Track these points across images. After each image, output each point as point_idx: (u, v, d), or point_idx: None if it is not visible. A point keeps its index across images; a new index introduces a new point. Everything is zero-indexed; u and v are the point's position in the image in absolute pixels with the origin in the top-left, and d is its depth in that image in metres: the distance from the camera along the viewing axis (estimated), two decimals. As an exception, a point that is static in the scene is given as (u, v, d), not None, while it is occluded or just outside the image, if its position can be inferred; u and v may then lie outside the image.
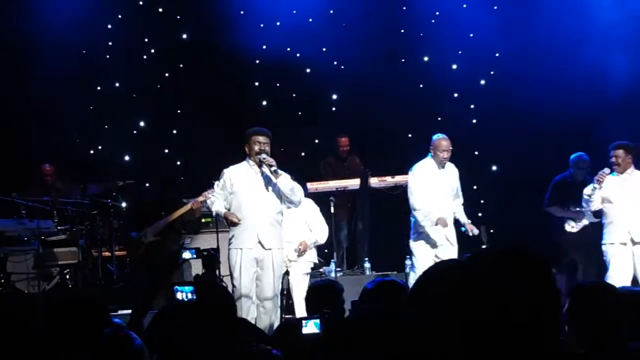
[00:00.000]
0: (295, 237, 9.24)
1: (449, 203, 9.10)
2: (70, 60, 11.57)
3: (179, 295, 4.46)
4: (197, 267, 8.94)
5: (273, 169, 7.89)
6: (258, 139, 7.99)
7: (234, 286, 7.81)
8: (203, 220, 10.06)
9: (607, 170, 8.75)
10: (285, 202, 8.12)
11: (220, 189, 8.17)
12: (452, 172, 9.19)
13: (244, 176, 8.07)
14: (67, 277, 9.85)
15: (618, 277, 8.37)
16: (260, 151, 7.93)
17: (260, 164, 7.97)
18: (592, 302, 3.48)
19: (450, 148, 8.96)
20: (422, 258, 8.83)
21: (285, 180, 7.98)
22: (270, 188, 8.02)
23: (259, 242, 7.91)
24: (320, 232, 9.50)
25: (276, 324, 7.70)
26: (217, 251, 4.88)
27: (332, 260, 10.38)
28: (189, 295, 4.46)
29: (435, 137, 9.04)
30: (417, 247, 9.01)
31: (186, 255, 4.85)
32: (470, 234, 9.11)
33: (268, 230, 7.97)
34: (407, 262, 10.00)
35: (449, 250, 8.90)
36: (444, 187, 9.04)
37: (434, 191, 8.96)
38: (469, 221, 9.18)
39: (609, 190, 8.80)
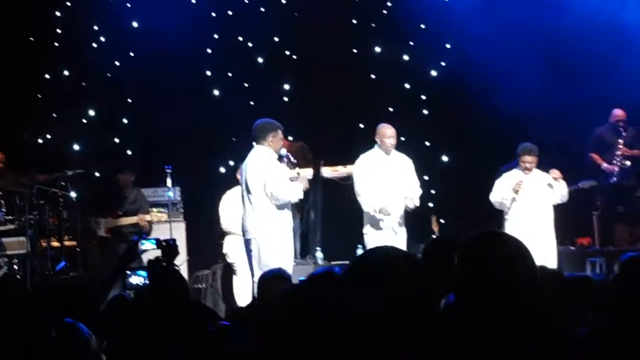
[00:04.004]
0: None
1: (399, 192, 9.09)
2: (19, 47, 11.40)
3: (133, 280, 4.46)
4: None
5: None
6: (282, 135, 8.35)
7: None
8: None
9: (522, 181, 9.23)
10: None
11: None
12: (402, 161, 9.26)
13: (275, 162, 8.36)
14: (16, 267, 9.71)
15: None
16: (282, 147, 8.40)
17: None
18: None
19: (395, 135, 9.07)
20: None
21: None
22: None
23: None
24: None
25: None
26: (175, 241, 4.89)
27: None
28: (143, 281, 4.46)
29: (379, 126, 9.21)
30: (369, 236, 9.07)
31: (147, 245, 4.86)
32: (412, 205, 9.05)
33: None
34: (359, 251, 10.05)
35: (394, 239, 8.88)
36: (392, 175, 9.09)
37: (381, 179, 9.03)
38: (413, 200, 9.06)
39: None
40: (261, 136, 8.18)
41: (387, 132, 9.08)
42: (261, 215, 8.13)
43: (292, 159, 8.38)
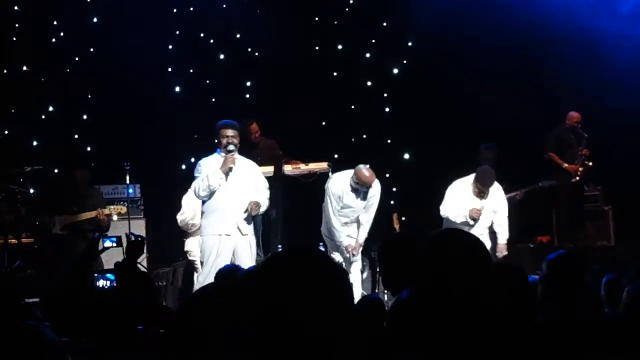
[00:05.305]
0: None
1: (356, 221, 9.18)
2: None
3: (101, 284, 4.40)
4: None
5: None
6: (227, 133, 8.18)
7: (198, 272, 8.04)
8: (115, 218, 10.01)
9: (480, 211, 9.18)
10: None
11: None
12: (371, 197, 9.05)
13: (217, 166, 8.16)
14: (-28, 264, 9.56)
15: None
16: (227, 144, 8.13)
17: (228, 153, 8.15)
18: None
19: (372, 180, 8.83)
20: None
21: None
22: (244, 177, 8.21)
23: (238, 228, 8.11)
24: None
25: None
26: (144, 239, 4.78)
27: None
28: (111, 283, 4.39)
29: (361, 170, 8.80)
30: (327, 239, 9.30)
31: (107, 244, 4.80)
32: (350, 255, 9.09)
33: (245, 216, 8.18)
34: (322, 249, 10.05)
35: (351, 241, 9.14)
36: (358, 207, 9.04)
37: (345, 210, 9.03)
38: (360, 244, 9.13)
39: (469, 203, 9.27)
40: None
41: (367, 181, 8.76)
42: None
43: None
